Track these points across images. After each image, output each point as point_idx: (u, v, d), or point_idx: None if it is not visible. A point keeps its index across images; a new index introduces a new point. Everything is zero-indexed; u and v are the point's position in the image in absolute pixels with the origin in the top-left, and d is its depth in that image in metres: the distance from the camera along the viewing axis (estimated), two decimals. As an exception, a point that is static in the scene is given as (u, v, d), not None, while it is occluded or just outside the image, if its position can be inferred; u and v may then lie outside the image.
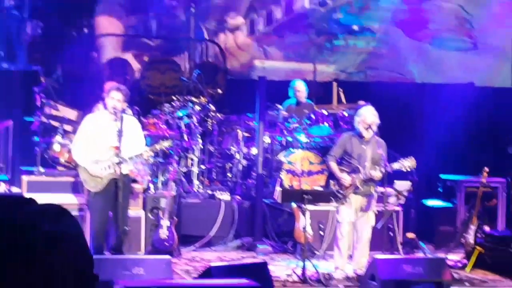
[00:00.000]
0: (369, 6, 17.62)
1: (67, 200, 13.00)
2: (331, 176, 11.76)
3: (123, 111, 11.55)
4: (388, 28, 17.66)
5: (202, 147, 14.78)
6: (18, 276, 1.88)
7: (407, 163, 11.58)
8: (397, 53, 17.62)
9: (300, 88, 15.39)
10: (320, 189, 12.62)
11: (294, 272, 11.30)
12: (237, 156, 14.90)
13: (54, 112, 13.89)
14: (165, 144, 12.07)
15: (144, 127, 13.84)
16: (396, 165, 11.54)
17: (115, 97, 11.21)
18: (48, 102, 13.88)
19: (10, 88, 15.37)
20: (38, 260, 1.87)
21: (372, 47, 17.67)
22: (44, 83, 14.19)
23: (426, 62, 17.72)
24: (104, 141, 11.30)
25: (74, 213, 12.75)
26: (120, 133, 11.15)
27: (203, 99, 15.03)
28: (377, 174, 11.39)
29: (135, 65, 16.76)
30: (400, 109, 15.67)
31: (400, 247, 12.99)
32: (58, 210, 2.00)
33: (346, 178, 11.41)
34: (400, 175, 12.70)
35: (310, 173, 14.19)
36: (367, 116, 11.51)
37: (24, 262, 1.87)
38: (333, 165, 11.60)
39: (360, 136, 11.55)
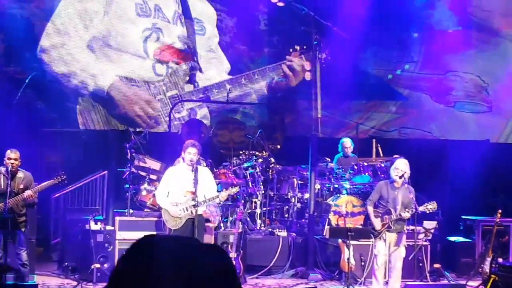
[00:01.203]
0: (402, 75, 17.71)
1: (151, 236, 13.16)
2: (368, 217, 11.82)
3: (198, 162, 11.72)
4: (416, 94, 17.70)
5: (263, 192, 14.81)
6: None
7: (430, 206, 11.58)
8: (425, 115, 17.61)
9: (347, 144, 15.47)
10: (362, 227, 12.65)
11: (340, 296, 11.33)
12: (293, 200, 14.93)
13: (141, 164, 14.01)
14: (234, 190, 12.13)
15: (216, 176, 13.97)
16: (421, 208, 11.54)
17: (191, 152, 11.35)
18: (137, 155, 13.99)
19: (107, 144, 15.62)
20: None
21: (403, 109, 17.72)
22: (134, 140, 14.34)
23: (449, 122, 17.69)
24: (183, 188, 11.45)
25: (157, 247, 12.97)
26: (195, 181, 11.30)
27: (264, 153, 15.11)
28: (406, 215, 11.41)
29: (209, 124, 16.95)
30: (428, 161, 15.65)
31: (428, 275, 12.95)
32: (213, 248, 2.09)
33: (376, 224, 11.47)
34: (428, 215, 12.67)
35: (353, 214, 14.15)
36: (401, 166, 11.58)
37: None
38: (370, 210, 11.65)
39: (393, 183, 11.60)
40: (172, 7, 16.75)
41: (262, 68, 17.07)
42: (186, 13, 16.81)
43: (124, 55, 16.41)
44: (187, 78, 16.83)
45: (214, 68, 16.99)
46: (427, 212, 11.73)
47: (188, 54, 16.79)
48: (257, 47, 17.35)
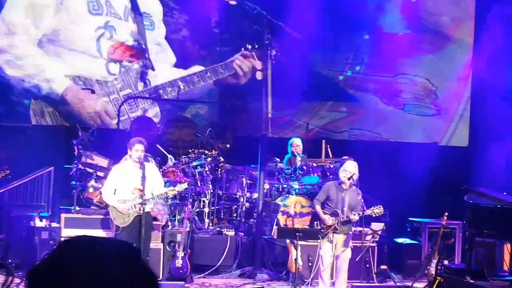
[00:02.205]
0: (353, 77, 17.78)
1: (97, 233, 13.01)
2: (315, 217, 11.82)
3: (146, 159, 11.64)
4: (367, 96, 17.77)
5: (212, 191, 14.80)
6: None
7: (377, 210, 11.64)
8: (374, 116, 17.69)
9: (297, 144, 15.48)
10: (310, 228, 12.67)
11: (286, 296, 11.32)
12: (242, 199, 14.93)
13: (89, 161, 13.90)
14: (182, 186, 12.08)
15: (164, 174, 13.93)
16: (368, 211, 11.60)
17: (139, 148, 11.31)
18: (85, 152, 13.88)
19: (53, 140, 15.43)
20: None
21: (353, 110, 17.78)
22: (81, 136, 14.22)
23: (398, 124, 17.80)
24: (130, 185, 11.38)
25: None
26: (143, 178, 11.23)
27: (214, 152, 15.10)
28: (354, 217, 11.45)
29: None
30: (376, 162, 15.68)
31: (374, 276, 13.02)
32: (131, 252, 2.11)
33: (328, 219, 11.47)
34: (376, 217, 12.73)
35: (301, 215, 14.19)
36: (350, 168, 11.60)
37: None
38: (318, 208, 11.67)
39: (341, 184, 11.62)
40: (122, 3, 16.59)
41: (214, 66, 17.01)
42: (135, 8, 16.69)
43: (77, 54, 16.20)
44: (139, 77, 16.68)
45: (160, 61, 16.86)
46: (374, 216, 11.81)
47: (140, 51, 16.67)
48: (208, 46, 17.27)
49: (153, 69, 16.73)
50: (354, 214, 11.41)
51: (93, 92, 16.17)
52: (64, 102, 16.15)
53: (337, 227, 11.47)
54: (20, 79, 15.88)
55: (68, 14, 16.15)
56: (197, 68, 16.96)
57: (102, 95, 16.39)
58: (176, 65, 16.91)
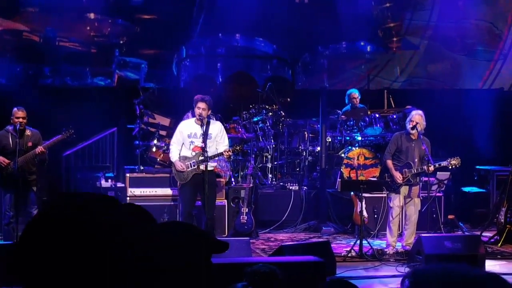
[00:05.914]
0: (412, 23, 17.53)
1: (162, 192, 13.17)
2: (385, 170, 11.72)
3: (209, 117, 11.64)
4: (429, 42, 17.50)
5: (274, 146, 14.82)
6: None
7: (454, 162, 11.48)
8: (437, 64, 17.45)
9: (355, 95, 15.37)
10: (374, 179, 12.63)
11: (353, 249, 11.30)
12: (304, 153, 14.89)
13: (151, 120, 14.00)
14: (237, 148, 12.03)
15: (226, 131, 13.97)
16: (444, 163, 11.47)
17: (201, 106, 11.27)
18: (146, 111, 13.98)
19: (115, 101, 15.55)
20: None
21: (415, 59, 17.55)
22: (142, 96, 14.30)
23: (462, 71, 17.54)
24: (192, 143, 11.41)
25: (167, 202, 12.97)
26: (205, 135, 11.24)
27: (275, 107, 15.07)
28: (430, 169, 11.32)
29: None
30: (440, 111, 15.46)
31: (442, 226, 12.91)
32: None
33: (398, 177, 11.38)
34: (442, 166, 12.59)
35: (365, 167, 14.14)
36: (415, 117, 11.47)
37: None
38: (389, 163, 11.52)
39: (408, 135, 11.51)
40: None
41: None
42: None
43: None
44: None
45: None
46: (450, 167, 11.68)
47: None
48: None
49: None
50: (430, 166, 11.29)
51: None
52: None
53: (410, 179, 11.39)
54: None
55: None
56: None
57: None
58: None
